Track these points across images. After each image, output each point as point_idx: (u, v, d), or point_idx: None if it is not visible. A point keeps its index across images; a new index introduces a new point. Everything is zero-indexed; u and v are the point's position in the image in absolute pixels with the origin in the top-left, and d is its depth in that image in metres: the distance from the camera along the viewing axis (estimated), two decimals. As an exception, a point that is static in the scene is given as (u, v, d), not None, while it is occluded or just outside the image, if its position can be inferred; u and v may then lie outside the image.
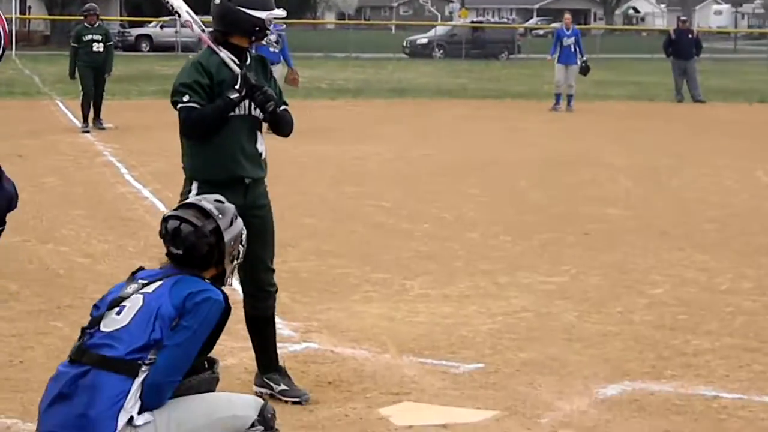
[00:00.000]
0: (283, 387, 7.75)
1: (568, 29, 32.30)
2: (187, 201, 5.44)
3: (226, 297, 5.29)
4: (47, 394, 5.23)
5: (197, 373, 5.31)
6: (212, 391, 5.43)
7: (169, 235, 5.31)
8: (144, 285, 5.24)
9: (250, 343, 8.45)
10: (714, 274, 11.78)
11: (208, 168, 7.40)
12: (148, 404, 5.07)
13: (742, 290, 11.14)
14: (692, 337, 9.45)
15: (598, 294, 10.91)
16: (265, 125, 7.66)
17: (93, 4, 26.08)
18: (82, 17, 25.55)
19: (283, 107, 7.59)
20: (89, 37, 24.47)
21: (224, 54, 7.42)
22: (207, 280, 5.33)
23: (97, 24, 24.77)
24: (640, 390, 8.07)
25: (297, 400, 7.65)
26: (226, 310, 5.27)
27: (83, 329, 5.28)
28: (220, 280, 5.44)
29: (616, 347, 9.12)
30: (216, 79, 7.38)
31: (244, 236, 5.49)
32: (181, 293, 5.15)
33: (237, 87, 7.34)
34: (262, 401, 5.48)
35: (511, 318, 9.98)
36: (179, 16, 7.76)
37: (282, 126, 7.65)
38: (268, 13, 7.44)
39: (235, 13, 7.40)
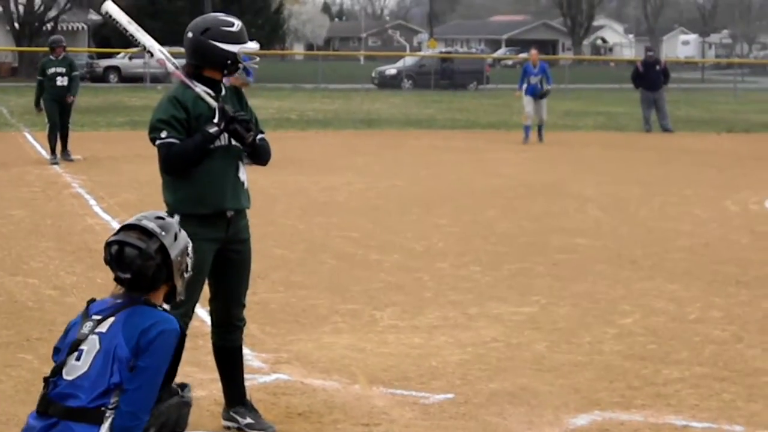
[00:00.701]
0: (249, 420, 7.74)
1: (534, 66, 32.02)
2: (127, 222, 5.34)
3: (178, 321, 5.22)
4: None
5: (168, 397, 5.27)
6: (183, 416, 5.38)
7: (114, 260, 5.23)
8: (98, 322, 5.17)
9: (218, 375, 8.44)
10: (683, 304, 11.81)
11: (190, 202, 7.37)
12: None
13: (711, 319, 11.18)
14: (662, 366, 9.47)
15: (567, 324, 10.93)
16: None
17: (59, 36, 26.09)
18: (48, 49, 25.52)
19: (260, 135, 7.61)
20: (53, 70, 24.46)
21: (199, 89, 7.43)
22: (158, 307, 5.25)
23: (62, 56, 24.73)
24: (611, 420, 8.09)
25: None
26: (182, 335, 5.21)
27: (46, 378, 5.22)
28: (172, 296, 5.36)
29: (586, 377, 9.14)
30: (193, 113, 7.38)
31: (189, 248, 5.40)
32: (134, 331, 5.07)
33: (215, 120, 7.36)
34: None
35: (480, 348, 9.99)
36: (152, 55, 7.75)
37: (261, 155, 7.66)
38: (240, 46, 7.47)
39: (208, 47, 7.42)
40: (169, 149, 7.31)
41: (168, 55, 7.66)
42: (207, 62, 7.47)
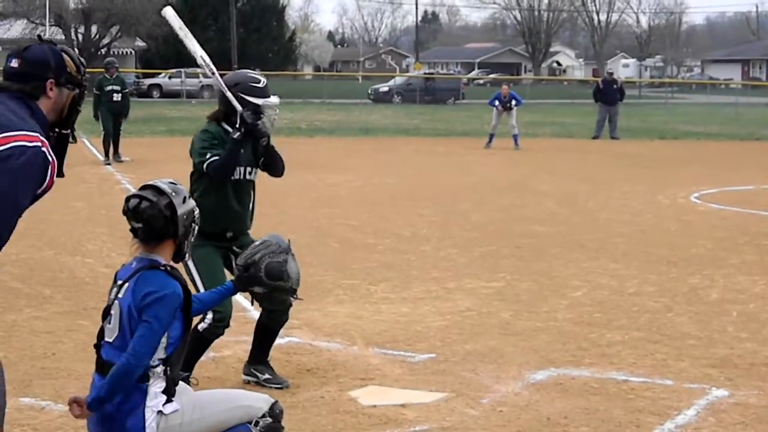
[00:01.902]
0: (267, 376, 7.73)
1: (505, 97, 31.91)
2: (146, 183, 5.29)
3: (181, 284, 5.12)
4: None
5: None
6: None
7: (130, 211, 5.18)
8: (120, 288, 5.14)
9: (242, 338, 8.43)
10: (623, 280, 11.80)
11: (201, 222, 7.39)
12: (118, 385, 4.93)
13: (646, 293, 11.17)
14: (606, 331, 9.46)
15: (528, 296, 10.91)
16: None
17: (113, 59, 26.16)
18: (103, 69, 25.50)
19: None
20: (109, 87, 24.51)
21: (229, 94, 7.45)
22: (165, 267, 5.14)
23: (115, 76, 24.75)
24: (564, 375, 8.08)
25: (279, 386, 7.62)
26: (186, 295, 5.12)
27: (95, 345, 5.18)
28: (179, 255, 5.28)
29: (543, 340, 9.13)
30: (220, 142, 7.44)
31: (196, 214, 5.33)
32: (139, 295, 5.02)
33: (237, 126, 7.37)
34: (273, 399, 5.39)
35: (457, 316, 9.97)
36: (206, 66, 7.69)
37: (276, 163, 7.66)
38: (264, 100, 7.50)
39: (237, 99, 7.44)
40: (212, 164, 7.37)
41: (208, 61, 7.64)
42: (235, 111, 7.46)
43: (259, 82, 7.57)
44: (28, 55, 4.70)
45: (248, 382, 7.69)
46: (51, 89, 4.68)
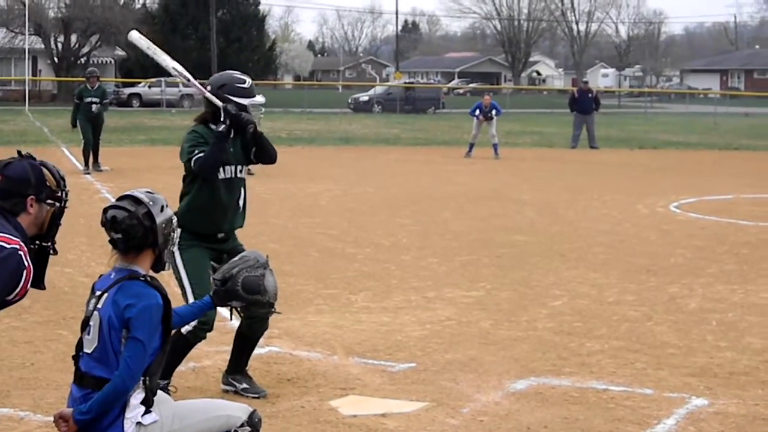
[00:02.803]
0: (245, 385, 7.72)
1: (486, 107, 31.92)
2: (123, 194, 5.27)
3: (161, 293, 5.09)
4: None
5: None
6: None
7: (108, 222, 5.16)
8: (98, 298, 5.11)
9: (222, 347, 8.41)
10: (603, 289, 11.82)
11: (193, 222, 7.41)
12: (110, 404, 4.91)
13: (626, 302, 11.19)
14: (585, 340, 9.47)
15: (508, 306, 10.92)
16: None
17: (94, 69, 26.17)
18: (84, 79, 25.43)
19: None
20: (89, 99, 24.48)
21: (207, 92, 7.50)
22: (144, 278, 5.12)
23: (96, 86, 24.71)
24: (544, 384, 8.08)
25: (256, 396, 7.61)
26: (166, 305, 5.10)
27: (74, 356, 5.16)
28: (159, 265, 5.26)
29: (523, 349, 9.13)
30: (207, 142, 7.44)
31: (174, 222, 5.31)
32: (120, 306, 4.99)
33: (222, 119, 7.38)
34: (251, 408, 5.38)
35: (437, 326, 9.97)
36: (181, 75, 7.74)
37: (266, 149, 7.66)
38: (250, 100, 7.54)
39: (224, 100, 7.45)
40: (199, 160, 7.37)
41: (181, 69, 7.69)
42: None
43: (244, 82, 7.61)
44: (8, 172, 4.71)
45: (227, 392, 7.67)
46: (31, 205, 4.69)
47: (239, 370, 7.77)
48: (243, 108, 7.49)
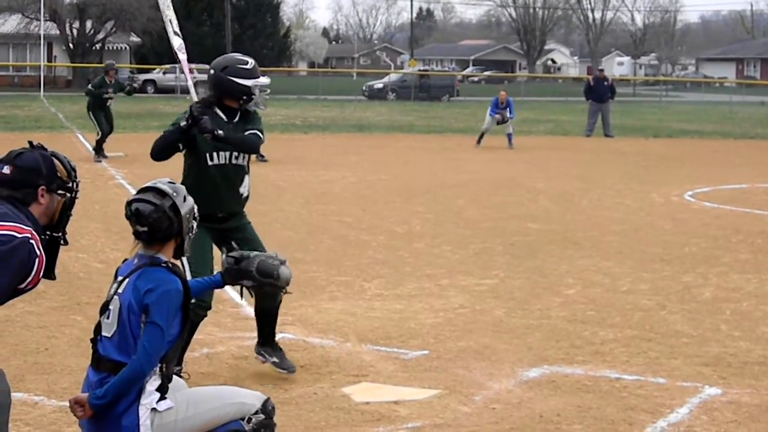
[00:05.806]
0: (274, 359, 7.80)
1: (502, 103, 31.69)
2: (144, 186, 5.28)
3: (181, 280, 5.13)
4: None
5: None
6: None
7: (134, 215, 5.17)
8: (120, 283, 5.13)
9: (236, 333, 8.45)
10: (616, 278, 11.81)
11: None
12: (128, 387, 4.93)
13: (639, 291, 11.18)
14: (599, 329, 9.47)
15: (522, 294, 10.92)
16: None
17: (113, 62, 26.23)
18: (104, 71, 25.36)
19: (250, 131, 7.61)
20: (106, 94, 24.53)
21: (190, 82, 7.58)
22: (167, 264, 5.14)
23: (114, 80, 24.82)
24: (557, 372, 8.08)
25: (284, 371, 7.67)
26: (186, 292, 5.12)
27: (92, 339, 5.18)
28: (180, 252, 5.28)
29: (536, 337, 9.14)
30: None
31: (195, 211, 5.33)
32: (140, 292, 5.01)
33: (186, 116, 7.44)
34: (265, 396, 5.40)
35: (450, 313, 9.98)
36: (178, 53, 7.80)
37: (238, 148, 7.63)
38: (253, 81, 7.57)
39: (227, 82, 7.52)
40: (155, 141, 7.63)
41: (179, 50, 7.77)
42: (226, 94, 7.59)
43: (246, 63, 7.61)
44: (20, 162, 4.73)
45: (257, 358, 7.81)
46: (42, 195, 4.71)
47: (268, 343, 7.87)
48: (246, 90, 7.47)
